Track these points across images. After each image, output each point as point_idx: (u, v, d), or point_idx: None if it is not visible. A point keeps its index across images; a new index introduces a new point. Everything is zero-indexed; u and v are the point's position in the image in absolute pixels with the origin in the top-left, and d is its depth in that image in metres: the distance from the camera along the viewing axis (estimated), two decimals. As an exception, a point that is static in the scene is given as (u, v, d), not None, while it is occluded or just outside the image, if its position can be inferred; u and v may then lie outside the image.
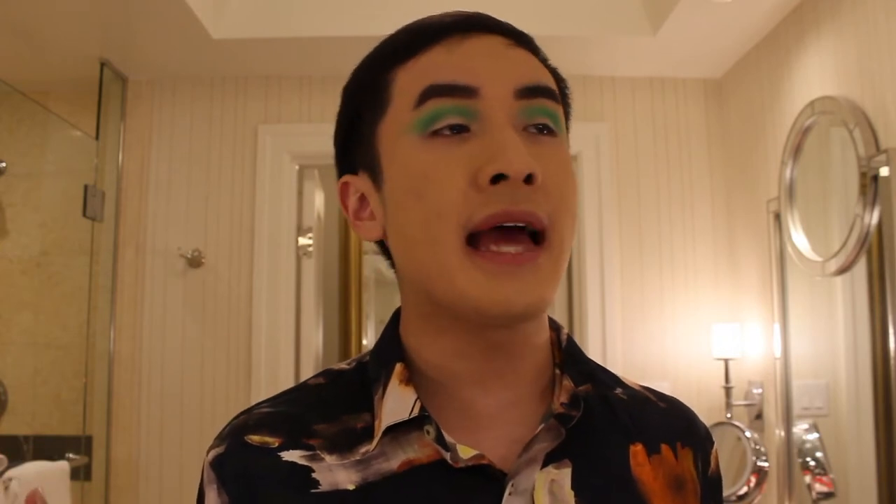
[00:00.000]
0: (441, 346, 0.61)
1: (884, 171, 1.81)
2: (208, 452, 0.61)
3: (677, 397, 0.70)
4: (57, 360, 2.78)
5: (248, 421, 0.62)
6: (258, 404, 0.65)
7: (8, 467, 2.16)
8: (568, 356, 0.64)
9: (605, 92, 2.85)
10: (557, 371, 0.63)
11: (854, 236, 1.88)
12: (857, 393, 1.96)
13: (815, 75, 2.16)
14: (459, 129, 0.57)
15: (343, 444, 0.59)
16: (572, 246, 0.60)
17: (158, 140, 2.81)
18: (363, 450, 0.58)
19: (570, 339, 0.66)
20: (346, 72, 0.66)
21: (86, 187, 2.62)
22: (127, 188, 2.79)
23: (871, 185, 1.84)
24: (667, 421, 0.66)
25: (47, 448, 2.53)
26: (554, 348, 0.65)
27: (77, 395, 2.66)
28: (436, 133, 0.57)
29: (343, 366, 0.67)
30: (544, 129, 0.59)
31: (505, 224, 0.55)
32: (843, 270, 1.95)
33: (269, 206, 2.77)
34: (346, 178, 0.65)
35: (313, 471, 0.58)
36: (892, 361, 1.77)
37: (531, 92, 0.58)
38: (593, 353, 2.68)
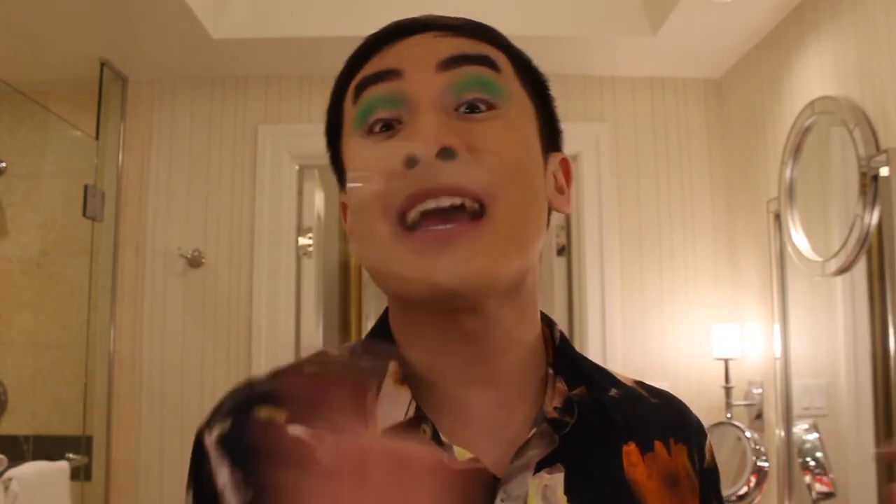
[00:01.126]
0: (421, 343, 0.61)
1: (884, 171, 1.81)
2: (210, 429, 0.59)
3: (670, 391, 0.69)
4: (57, 360, 2.78)
5: (252, 394, 0.61)
6: (256, 379, 0.63)
7: (8, 467, 2.16)
8: (561, 355, 0.64)
9: (605, 92, 2.85)
10: (550, 371, 0.63)
11: (854, 236, 1.88)
12: (857, 393, 1.96)
13: (815, 75, 2.16)
14: (390, 126, 0.58)
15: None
16: (537, 214, 0.59)
17: (158, 140, 2.81)
18: None
19: (563, 336, 0.65)
20: None
21: (86, 187, 2.62)
22: (127, 188, 2.79)
23: (871, 185, 1.84)
24: (659, 417, 0.65)
25: (47, 448, 2.53)
26: (547, 346, 0.64)
27: (77, 395, 2.66)
28: (371, 131, 0.59)
29: (336, 354, 0.67)
30: (478, 106, 0.58)
31: (431, 205, 0.54)
32: (843, 270, 1.95)
33: (269, 206, 2.77)
34: (343, 197, 0.66)
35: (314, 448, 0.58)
36: (892, 361, 1.77)
37: (454, 61, 0.58)
38: (593, 353, 2.68)
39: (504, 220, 0.54)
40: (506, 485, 0.56)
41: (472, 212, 0.54)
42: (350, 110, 0.61)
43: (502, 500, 0.56)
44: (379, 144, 0.57)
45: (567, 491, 0.57)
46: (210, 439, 0.59)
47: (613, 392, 0.65)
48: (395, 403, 0.58)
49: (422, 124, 0.55)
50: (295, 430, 0.58)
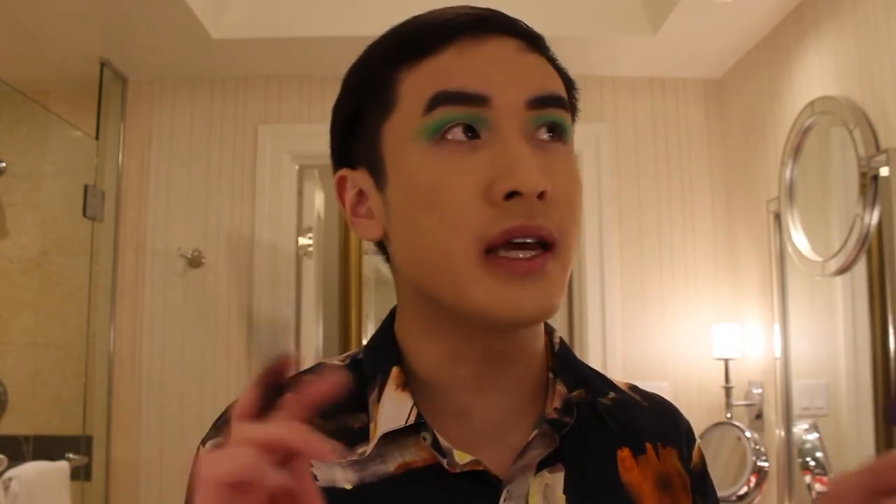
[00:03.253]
0: (439, 350, 0.61)
1: (884, 171, 1.81)
2: (205, 443, 0.61)
3: (670, 391, 0.71)
4: (57, 360, 2.78)
5: None
6: None
7: (8, 467, 2.16)
8: (561, 360, 0.65)
9: (605, 92, 2.85)
10: (551, 375, 0.64)
11: (854, 236, 1.88)
12: (857, 393, 1.96)
13: (815, 75, 2.16)
14: (470, 133, 0.56)
15: (342, 440, 0.59)
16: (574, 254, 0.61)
17: (158, 140, 2.81)
18: (360, 450, 0.59)
19: (562, 342, 0.67)
20: (346, 72, 0.65)
21: (86, 187, 2.62)
22: (127, 188, 2.79)
23: (871, 185, 1.84)
24: (651, 422, 0.67)
25: (47, 448, 2.53)
26: (547, 352, 0.65)
27: (77, 395, 2.66)
28: (444, 138, 0.56)
29: (336, 362, 0.67)
30: (553, 137, 0.58)
31: (519, 241, 0.55)
32: (843, 270, 1.95)
33: (269, 206, 2.77)
34: (344, 171, 0.63)
35: (311, 465, 0.58)
36: (892, 361, 1.77)
37: (543, 102, 0.58)
38: (593, 353, 2.68)
39: (565, 256, 0.57)
40: (509, 484, 0.57)
41: (540, 244, 0.56)
42: (413, 114, 0.57)
43: (505, 500, 0.57)
44: (458, 160, 0.56)
45: (566, 490, 0.58)
46: (204, 452, 0.60)
47: (611, 395, 0.67)
48: (395, 409, 0.59)
49: (522, 158, 0.55)
50: None
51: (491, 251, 0.55)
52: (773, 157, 2.39)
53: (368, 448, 0.58)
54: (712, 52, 2.65)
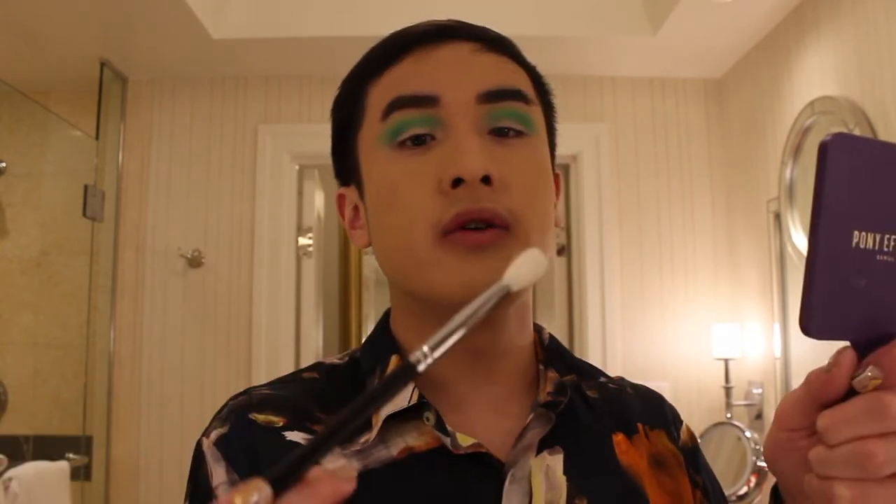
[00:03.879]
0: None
1: (884, 171, 1.80)
2: (208, 434, 0.61)
3: (670, 391, 0.73)
4: (57, 360, 2.78)
5: (251, 400, 0.62)
6: (255, 387, 0.65)
7: (8, 467, 2.16)
8: (551, 352, 0.68)
9: (605, 92, 2.85)
10: (541, 366, 0.66)
11: (854, 236, 1.87)
12: (857, 393, 1.96)
13: (815, 75, 2.16)
14: (423, 141, 0.60)
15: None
16: (547, 241, 0.62)
17: (158, 140, 2.81)
18: (363, 439, 0.59)
19: (552, 337, 0.70)
20: (345, 72, 0.67)
21: (86, 187, 2.62)
22: (127, 188, 2.79)
23: (871, 185, 1.84)
24: (638, 407, 0.69)
25: (47, 448, 2.53)
26: (537, 348, 0.68)
27: (77, 395, 2.66)
28: (402, 144, 0.60)
29: (335, 360, 0.68)
30: (509, 131, 0.61)
31: (469, 225, 0.57)
32: (843, 270, 1.95)
33: (269, 206, 2.77)
34: (341, 190, 0.68)
35: None
36: (892, 361, 1.77)
37: (494, 96, 0.61)
38: (593, 353, 2.68)
39: (524, 239, 0.59)
40: (513, 467, 0.59)
41: (502, 228, 0.59)
42: (375, 122, 0.62)
43: (511, 482, 0.58)
44: (414, 160, 0.60)
45: (566, 471, 0.60)
46: (207, 443, 0.60)
47: (602, 379, 0.70)
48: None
49: (467, 147, 0.58)
50: (293, 435, 0.59)
51: (446, 233, 0.58)
52: (773, 157, 2.39)
53: (371, 435, 0.59)
54: (712, 52, 2.65)
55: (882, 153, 0.45)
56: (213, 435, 0.60)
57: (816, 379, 0.46)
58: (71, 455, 2.53)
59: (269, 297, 2.72)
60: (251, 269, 2.74)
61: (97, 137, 2.74)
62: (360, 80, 0.65)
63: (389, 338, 0.66)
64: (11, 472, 2.15)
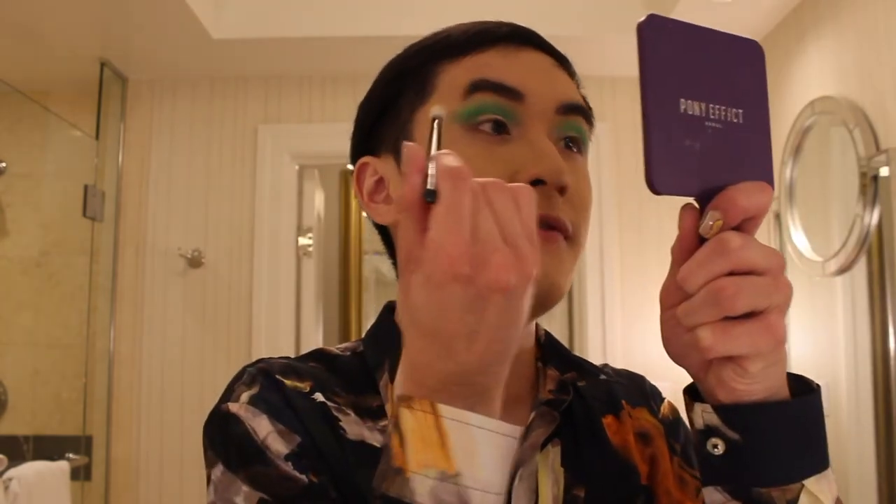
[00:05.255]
0: None
1: (884, 171, 1.81)
2: (234, 399, 0.58)
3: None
4: (57, 360, 2.78)
5: (271, 367, 0.61)
6: (268, 359, 0.63)
7: (8, 467, 2.16)
8: (548, 349, 0.68)
9: (605, 92, 2.85)
10: (540, 364, 0.67)
11: (854, 236, 1.88)
12: (857, 393, 1.96)
13: (815, 75, 2.16)
14: (500, 129, 0.59)
15: (364, 412, 0.60)
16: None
17: (158, 140, 2.81)
18: (382, 424, 0.59)
19: (547, 333, 0.70)
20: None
21: (86, 187, 2.63)
22: (127, 188, 2.79)
23: (871, 185, 1.84)
24: (623, 389, 0.72)
25: (47, 448, 2.53)
26: (535, 345, 0.69)
27: (77, 395, 2.66)
28: (477, 128, 0.59)
29: (335, 351, 0.67)
30: (574, 146, 0.62)
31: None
32: (843, 270, 1.95)
33: (269, 206, 2.77)
34: (367, 158, 0.67)
35: (340, 420, 0.59)
36: (892, 361, 1.77)
37: (571, 109, 0.62)
38: (593, 353, 2.68)
39: (580, 249, 0.62)
40: (521, 466, 0.59)
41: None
42: (452, 98, 0.60)
43: (519, 481, 0.58)
44: (487, 147, 0.59)
45: (563, 463, 0.61)
46: (238, 404, 0.57)
47: (602, 377, 0.72)
48: None
49: (551, 151, 0.58)
50: (319, 397, 0.59)
51: None
52: (773, 156, 2.39)
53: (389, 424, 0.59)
54: (712, 52, 2.64)
55: (696, 35, 0.52)
56: (244, 396, 0.58)
57: (674, 245, 0.49)
58: (71, 455, 2.53)
59: (269, 297, 2.72)
60: (251, 269, 2.74)
61: (97, 137, 2.74)
62: (432, 57, 0.64)
63: (396, 331, 0.64)
64: (11, 472, 2.15)
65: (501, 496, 0.45)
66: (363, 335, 0.69)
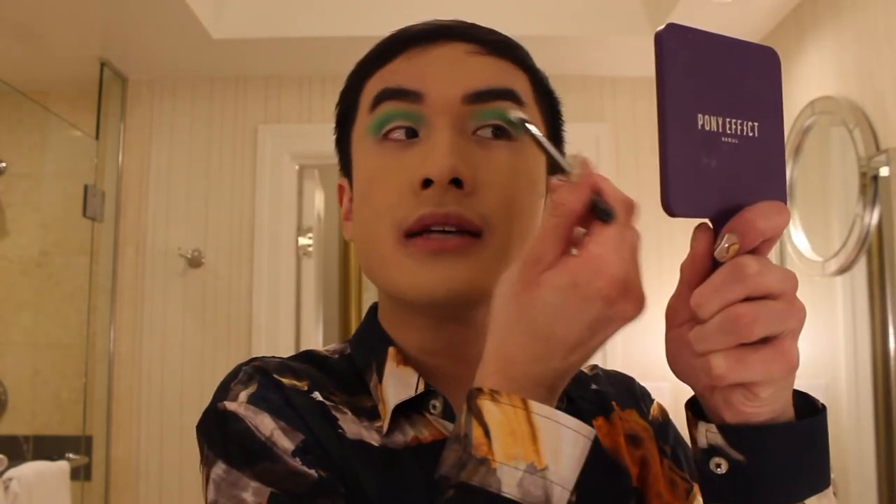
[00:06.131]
0: (411, 341, 0.62)
1: (884, 171, 1.81)
2: (231, 398, 0.57)
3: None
4: (57, 360, 2.78)
5: (268, 366, 0.61)
6: (262, 358, 0.64)
7: (8, 467, 2.16)
8: None
9: (605, 92, 2.85)
10: None
11: (854, 236, 1.88)
12: (857, 393, 1.96)
13: (815, 75, 2.16)
14: (411, 135, 0.59)
15: (359, 412, 0.60)
16: (530, 238, 0.62)
17: (158, 140, 2.81)
18: (377, 424, 0.60)
19: None
20: (345, 72, 0.68)
21: (86, 187, 2.63)
22: (127, 188, 2.79)
23: (871, 185, 1.84)
24: (612, 391, 0.71)
25: (47, 448, 2.53)
26: None
27: (77, 395, 2.66)
28: (386, 138, 0.60)
29: (324, 352, 0.67)
30: (497, 132, 0.60)
31: (434, 228, 0.57)
32: (843, 270, 1.95)
33: (269, 206, 2.77)
34: (342, 181, 0.69)
35: (338, 419, 0.59)
36: (892, 361, 1.77)
37: (482, 96, 0.60)
38: (593, 353, 2.68)
39: (498, 245, 0.58)
40: None
41: (472, 233, 0.58)
42: (365, 114, 0.62)
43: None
44: (394, 156, 0.60)
45: None
46: (236, 403, 0.57)
47: (591, 381, 0.72)
48: (401, 382, 0.60)
49: (439, 149, 0.57)
50: (318, 396, 0.59)
51: (410, 237, 0.58)
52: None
53: (384, 424, 0.59)
54: (712, 52, 2.64)
55: (713, 44, 0.49)
56: (243, 396, 0.57)
57: (684, 264, 0.49)
58: (71, 455, 2.53)
59: (269, 297, 2.72)
60: (251, 269, 2.74)
61: (97, 137, 2.74)
62: (357, 76, 0.65)
63: (380, 331, 0.65)
64: (11, 472, 2.15)
65: (572, 495, 0.46)
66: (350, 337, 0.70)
